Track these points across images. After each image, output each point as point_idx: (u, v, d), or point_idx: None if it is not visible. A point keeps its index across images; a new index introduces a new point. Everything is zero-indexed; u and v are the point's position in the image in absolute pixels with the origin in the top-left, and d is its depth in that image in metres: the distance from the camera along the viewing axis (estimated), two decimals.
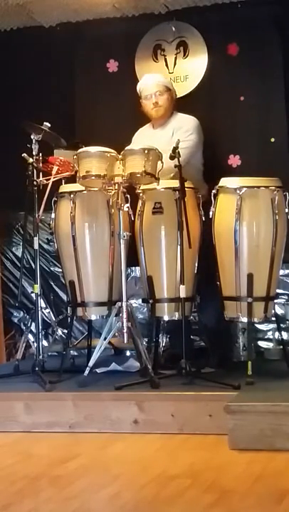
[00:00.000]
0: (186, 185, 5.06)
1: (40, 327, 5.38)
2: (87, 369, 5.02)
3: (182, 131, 5.49)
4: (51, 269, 6.54)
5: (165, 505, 3.56)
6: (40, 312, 5.37)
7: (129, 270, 6.02)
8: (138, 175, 5.00)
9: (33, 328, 5.48)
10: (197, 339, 5.97)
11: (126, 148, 5.09)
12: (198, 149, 5.60)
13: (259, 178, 5.27)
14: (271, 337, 5.98)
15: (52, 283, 6.54)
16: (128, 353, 5.96)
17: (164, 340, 5.73)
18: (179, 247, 5.04)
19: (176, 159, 4.99)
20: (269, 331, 6.02)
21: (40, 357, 5.28)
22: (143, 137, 5.65)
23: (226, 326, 5.49)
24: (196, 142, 5.55)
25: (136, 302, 5.97)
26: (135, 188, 5.26)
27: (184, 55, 6.19)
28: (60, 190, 5.47)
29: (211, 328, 5.57)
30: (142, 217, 5.28)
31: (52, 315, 5.88)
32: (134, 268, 6.12)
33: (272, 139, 5.97)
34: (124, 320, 4.99)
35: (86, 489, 3.82)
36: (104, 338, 5.09)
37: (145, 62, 6.25)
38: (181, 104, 5.82)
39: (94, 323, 5.87)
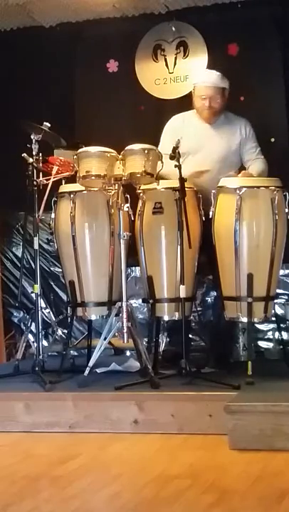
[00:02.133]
0: (186, 185, 5.06)
1: (40, 327, 5.38)
2: (87, 369, 5.02)
3: (253, 148, 5.53)
4: (51, 269, 6.54)
5: (165, 505, 3.56)
6: (40, 312, 5.37)
7: (129, 270, 6.02)
8: (138, 175, 5.00)
9: (33, 328, 5.48)
10: (197, 339, 5.98)
11: (126, 148, 5.09)
12: None
13: (259, 178, 5.27)
14: (271, 337, 5.98)
15: (52, 283, 6.54)
16: (128, 353, 5.97)
17: (164, 340, 5.72)
18: (179, 247, 5.04)
19: (176, 159, 5.00)
20: (269, 331, 6.02)
21: (40, 357, 5.28)
22: (196, 128, 5.54)
23: (226, 326, 5.48)
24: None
25: (136, 302, 5.97)
26: (135, 188, 5.27)
27: (184, 55, 6.20)
28: (60, 190, 5.47)
29: (211, 327, 5.57)
30: (142, 217, 5.28)
31: (52, 315, 5.88)
32: (134, 268, 6.12)
33: (272, 139, 5.97)
34: (124, 320, 4.99)
35: (86, 489, 3.82)
36: (105, 338, 5.09)
37: (145, 62, 6.26)
38: (181, 104, 5.83)
39: (94, 323, 5.87)
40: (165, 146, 5.29)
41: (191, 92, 5.72)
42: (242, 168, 5.52)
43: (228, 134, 5.54)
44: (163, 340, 5.71)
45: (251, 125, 5.59)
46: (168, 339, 5.73)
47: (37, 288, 5.37)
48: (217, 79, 5.53)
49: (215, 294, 5.61)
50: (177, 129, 5.52)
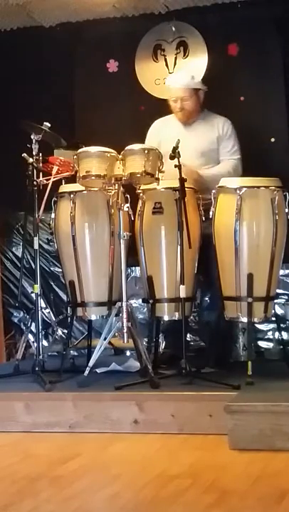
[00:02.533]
0: (186, 185, 5.06)
1: (40, 327, 5.38)
2: (87, 369, 5.02)
3: (228, 148, 5.52)
4: (51, 269, 6.54)
5: (165, 505, 3.56)
6: (40, 312, 5.37)
7: (129, 270, 6.02)
8: (138, 175, 5.00)
9: (33, 328, 5.48)
10: (196, 339, 5.98)
11: (126, 148, 5.09)
12: None
13: (259, 178, 5.27)
14: (271, 337, 5.98)
15: (52, 283, 6.54)
16: (128, 353, 5.96)
17: (164, 341, 5.72)
18: (179, 247, 5.04)
19: (176, 159, 4.99)
20: (269, 331, 6.02)
21: (40, 357, 5.28)
22: (169, 131, 5.54)
23: (226, 326, 5.48)
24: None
25: (136, 302, 5.98)
26: (135, 188, 5.27)
27: (184, 55, 6.20)
28: (60, 190, 5.47)
29: (210, 327, 5.57)
30: (142, 217, 5.28)
31: (52, 315, 5.88)
32: (134, 268, 6.12)
33: (273, 139, 5.97)
34: (124, 320, 4.99)
35: (86, 489, 3.82)
36: (104, 338, 5.09)
37: (145, 62, 6.26)
38: None
39: (94, 323, 5.87)
40: None
41: None
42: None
43: (205, 132, 5.55)
44: (163, 341, 5.71)
45: (232, 125, 5.59)
46: (164, 341, 5.72)
47: (37, 288, 5.37)
48: (186, 80, 5.56)
49: (209, 294, 5.63)
50: (157, 132, 5.63)
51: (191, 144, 5.30)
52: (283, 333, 5.62)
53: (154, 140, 5.53)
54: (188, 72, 5.72)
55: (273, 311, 5.32)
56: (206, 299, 5.87)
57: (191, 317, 5.74)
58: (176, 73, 5.77)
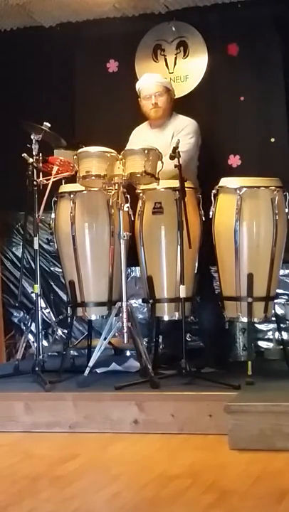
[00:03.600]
0: (186, 185, 5.06)
1: (40, 327, 5.38)
2: (87, 369, 5.02)
3: (182, 134, 5.48)
4: (51, 269, 6.54)
5: (165, 505, 3.56)
6: (40, 312, 5.37)
7: (129, 270, 6.02)
8: (138, 175, 5.00)
9: (33, 328, 5.48)
10: (195, 339, 5.98)
11: (126, 148, 5.09)
12: (196, 152, 5.59)
13: (259, 178, 5.27)
14: (271, 337, 5.98)
15: (52, 283, 6.54)
16: (128, 353, 5.96)
17: (164, 340, 5.72)
18: (179, 247, 5.04)
19: (176, 159, 4.99)
20: (269, 331, 6.02)
21: (40, 357, 5.28)
22: (140, 137, 5.64)
23: (225, 326, 5.48)
24: (195, 145, 5.55)
25: (136, 302, 5.98)
26: (135, 188, 5.26)
27: (184, 55, 6.19)
28: (60, 190, 5.47)
29: (209, 327, 5.57)
30: (142, 217, 5.28)
31: (52, 315, 5.89)
32: (134, 268, 6.12)
33: (272, 139, 5.96)
34: (124, 320, 4.99)
35: (86, 489, 3.82)
36: (104, 338, 5.09)
37: (145, 62, 6.25)
38: (181, 105, 5.82)
39: (94, 323, 5.87)
40: None
41: (191, 92, 5.73)
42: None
43: (168, 131, 5.56)
44: (163, 341, 5.70)
45: (196, 126, 5.56)
46: (162, 342, 5.72)
47: (37, 288, 5.37)
48: (158, 77, 5.64)
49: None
50: (132, 140, 5.67)
51: (158, 146, 5.24)
52: (283, 333, 5.61)
53: (130, 146, 5.42)
54: (157, 73, 5.77)
55: (273, 311, 5.33)
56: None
57: (191, 317, 5.73)
58: (146, 74, 5.78)
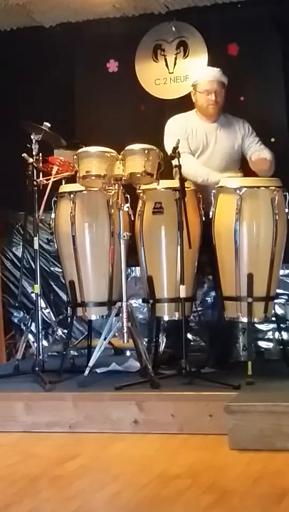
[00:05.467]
0: (186, 186, 5.06)
1: (40, 327, 5.38)
2: (87, 369, 5.02)
3: (254, 141, 5.54)
4: (51, 269, 6.54)
5: (165, 505, 3.56)
6: (40, 312, 5.37)
7: (129, 270, 6.02)
8: (138, 175, 5.00)
9: (33, 328, 5.48)
10: (196, 339, 5.98)
11: (126, 148, 5.09)
12: None
13: (259, 178, 5.27)
14: (271, 337, 5.98)
15: (52, 283, 6.53)
16: (128, 353, 5.96)
17: (164, 340, 5.71)
18: (179, 247, 5.04)
19: (176, 159, 5.00)
20: (269, 331, 6.02)
21: (40, 357, 5.28)
22: (201, 126, 5.52)
23: (226, 326, 5.48)
24: None
25: (136, 302, 5.97)
26: (135, 188, 5.27)
27: (184, 55, 6.20)
28: (60, 190, 5.47)
29: (211, 328, 5.57)
30: (142, 217, 5.28)
31: (52, 315, 5.89)
32: (134, 268, 6.12)
33: (272, 139, 5.96)
34: (124, 320, 4.99)
35: (86, 489, 3.82)
36: (104, 338, 5.09)
37: (145, 62, 6.25)
38: (181, 105, 5.83)
39: (94, 323, 5.87)
40: (170, 146, 5.22)
41: (191, 92, 5.72)
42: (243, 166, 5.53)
43: (231, 133, 5.55)
44: (163, 341, 5.70)
45: (249, 124, 5.60)
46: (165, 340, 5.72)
47: (37, 288, 5.37)
48: (219, 73, 5.55)
49: (214, 294, 5.62)
50: (182, 127, 5.51)
51: (219, 143, 5.28)
52: (283, 333, 5.62)
53: (180, 134, 5.33)
54: (213, 68, 5.67)
55: (273, 311, 5.33)
56: (207, 298, 5.88)
57: (191, 317, 5.73)
58: (207, 68, 5.74)
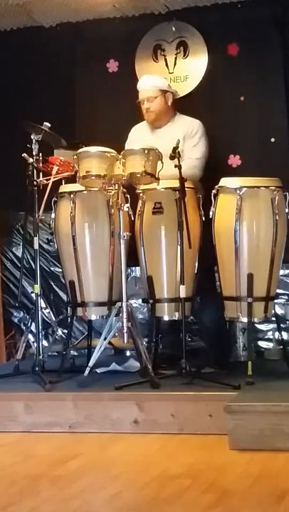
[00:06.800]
0: (186, 185, 5.06)
1: (40, 327, 5.38)
2: (87, 369, 5.02)
3: (190, 145, 5.48)
4: (51, 269, 6.54)
5: (165, 505, 3.56)
6: (40, 312, 5.37)
7: (129, 270, 6.02)
8: (138, 175, 5.00)
9: (33, 328, 5.48)
10: (195, 339, 5.98)
11: (126, 148, 5.08)
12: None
13: (259, 178, 5.27)
14: (271, 337, 5.98)
15: (52, 283, 6.53)
16: (128, 353, 5.96)
17: (163, 340, 5.71)
18: (179, 247, 5.04)
19: (176, 159, 4.99)
20: (269, 331, 6.02)
21: (40, 357, 5.28)
22: (140, 137, 5.62)
23: (225, 326, 5.47)
24: (206, 153, 5.56)
25: (136, 302, 5.98)
26: (135, 188, 5.26)
27: (184, 55, 6.20)
28: (60, 190, 5.47)
29: (209, 328, 5.57)
30: (142, 217, 5.28)
31: (52, 315, 5.89)
32: (134, 268, 6.12)
33: (272, 139, 5.97)
34: (124, 320, 4.99)
35: (86, 489, 3.82)
36: (105, 338, 5.09)
37: (145, 62, 6.25)
38: (181, 104, 5.83)
39: (94, 323, 5.87)
40: None
41: (191, 92, 5.72)
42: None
43: (171, 134, 5.49)
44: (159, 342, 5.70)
45: (202, 126, 5.58)
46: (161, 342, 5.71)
47: (37, 288, 5.37)
48: (152, 81, 5.63)
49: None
50: (132, 138, 5.69)
51: (161, 146, 5.23)
52: (283, 333, 5.61)
53: (130, 145, 5.49)
54: (155, 75, 5.78)
55: (273, 311, 5.33)
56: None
57: (191, 317, 5.73)
58: (144, 76, 5.78)
